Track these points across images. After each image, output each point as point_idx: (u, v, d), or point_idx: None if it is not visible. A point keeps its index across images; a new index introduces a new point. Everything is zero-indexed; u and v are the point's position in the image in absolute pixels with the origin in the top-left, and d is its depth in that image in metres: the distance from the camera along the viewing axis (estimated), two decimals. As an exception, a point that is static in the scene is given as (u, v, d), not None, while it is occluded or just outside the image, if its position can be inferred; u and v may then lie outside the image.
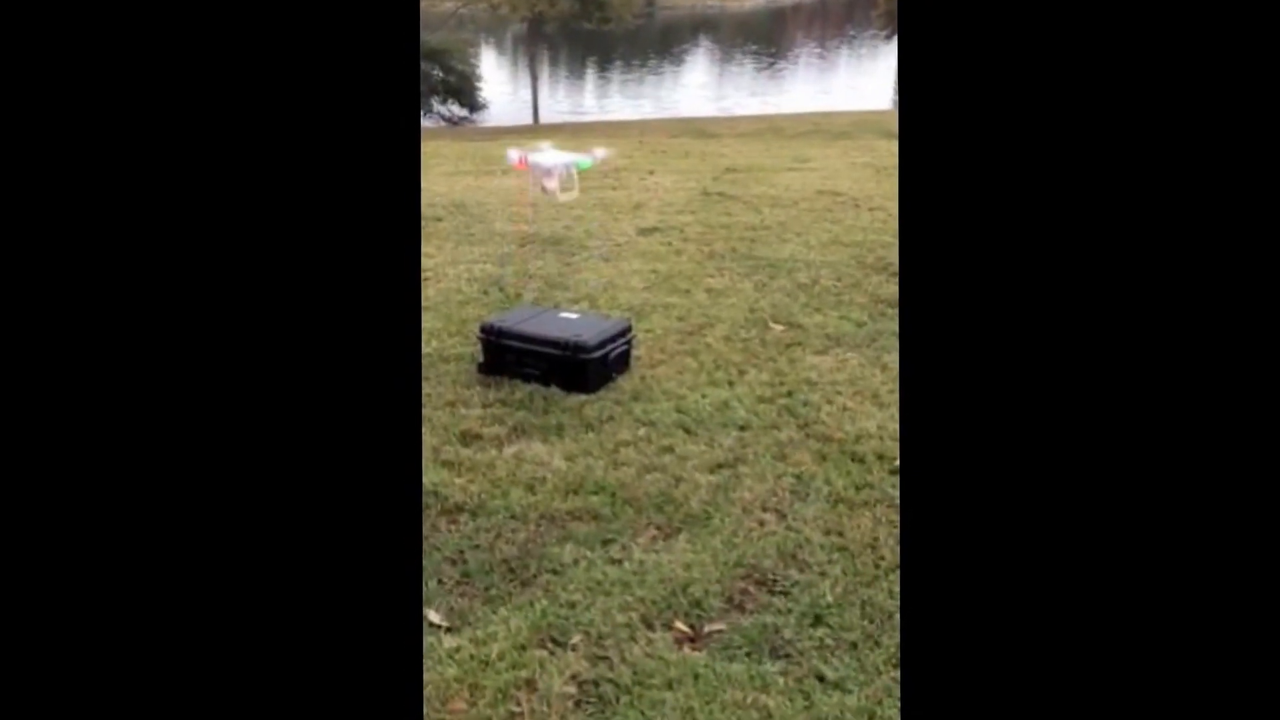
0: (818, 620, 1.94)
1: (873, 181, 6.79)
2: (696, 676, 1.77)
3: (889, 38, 26.38)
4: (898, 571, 2.05)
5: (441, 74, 21.40)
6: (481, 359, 3.21)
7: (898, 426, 2.39)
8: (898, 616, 1.90)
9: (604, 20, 21.19)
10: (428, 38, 21.38)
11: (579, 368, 3.02)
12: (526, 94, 21.83)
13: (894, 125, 15.46)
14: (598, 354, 3.05)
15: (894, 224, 5.38)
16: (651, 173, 7.23)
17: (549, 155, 3.92)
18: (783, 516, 2.34)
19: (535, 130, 17.79)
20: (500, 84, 24.57)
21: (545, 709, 1.70)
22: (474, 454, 2.66)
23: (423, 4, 23.65)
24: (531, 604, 1.99)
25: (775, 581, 2.08)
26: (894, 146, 9.80)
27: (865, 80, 26.37)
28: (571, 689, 1.75)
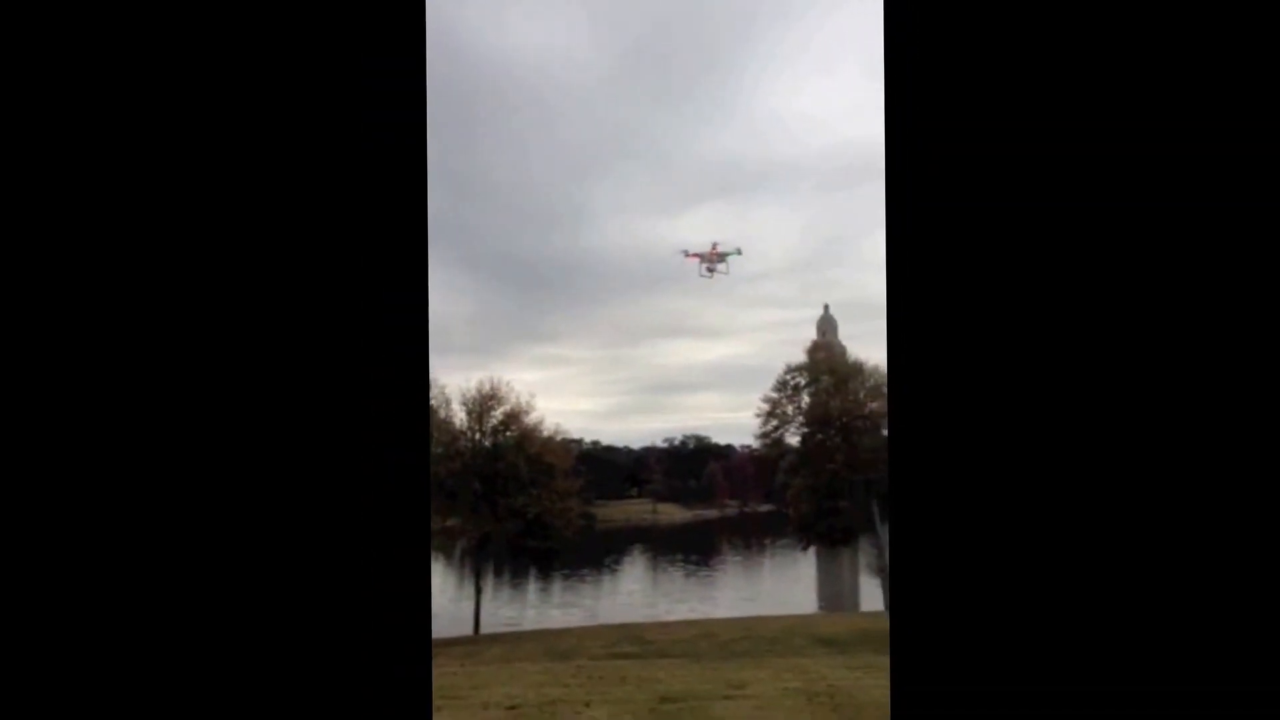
0: None
1: (806, 712, 6.57)
2: None
3: (804, 549, 27.93)
4: None
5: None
6: None
7: None
8: None
9: (546, 538, 22.14)
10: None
11: None
12: (469, 604, 21.72)
13: (821, 629, 15.58)
14: None
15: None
16: (587, 704, 6.92)
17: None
18: None
19: (475, 640, 17.33)
20: (445, 595, 24.54)
21: None
22: None
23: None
24: None
25: None
26: (821, 665, 9.75)
27: (788, 586, 27.19)
28: None
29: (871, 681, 7.89)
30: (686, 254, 26.48)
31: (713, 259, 26.19)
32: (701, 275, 26.37)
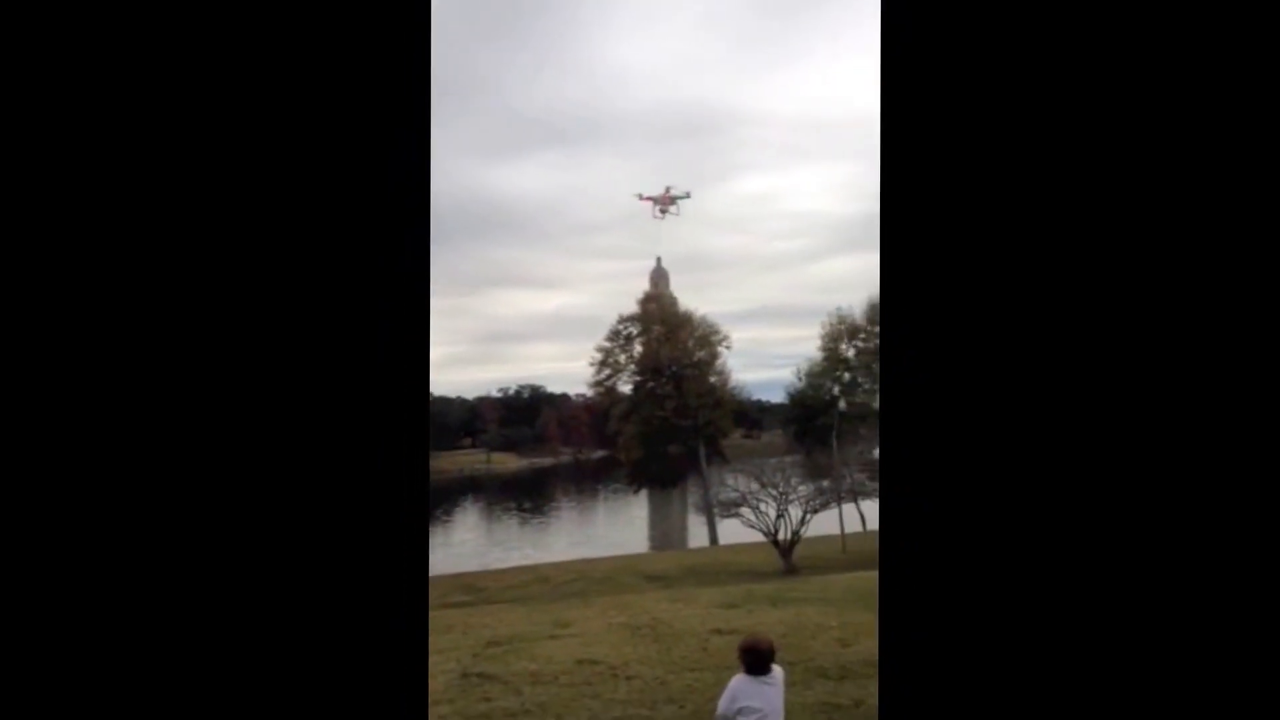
0: None
1: (629, 645, 6.73)
2: None
3: (636, 492, 28.72)
4: None
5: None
6: None
7: None
8: None
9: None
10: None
11: None
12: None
13: (650, 567, 16.17)
14: None
15: (650, 692, 5.25)
16: (411, 653, 6.75)
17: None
18: None
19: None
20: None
21: None
22: None
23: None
24: None
25: None
26: (646, 600, 10.05)
27: (621, 528, 27.89)
28: None
29: (690, 611, 8.21)
30: (641, 196, 27.82)
31: (665, 202, 27.96)
32: (655, 216, 28.30)
